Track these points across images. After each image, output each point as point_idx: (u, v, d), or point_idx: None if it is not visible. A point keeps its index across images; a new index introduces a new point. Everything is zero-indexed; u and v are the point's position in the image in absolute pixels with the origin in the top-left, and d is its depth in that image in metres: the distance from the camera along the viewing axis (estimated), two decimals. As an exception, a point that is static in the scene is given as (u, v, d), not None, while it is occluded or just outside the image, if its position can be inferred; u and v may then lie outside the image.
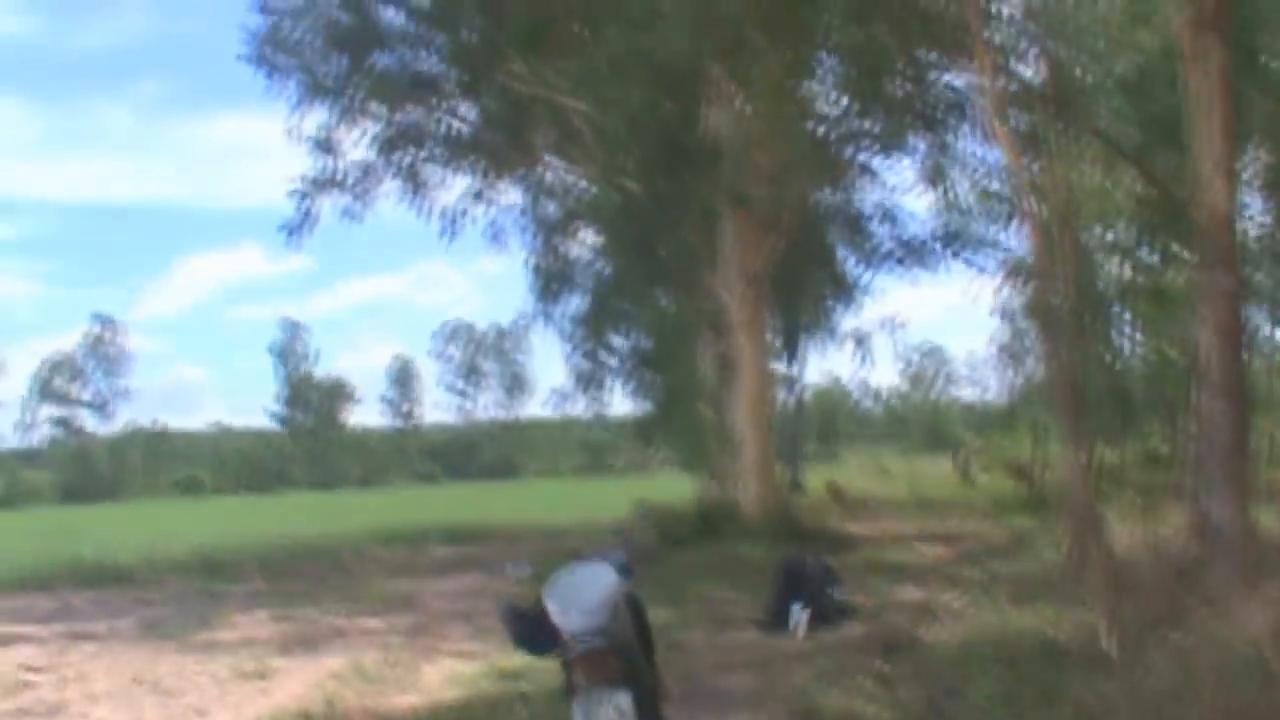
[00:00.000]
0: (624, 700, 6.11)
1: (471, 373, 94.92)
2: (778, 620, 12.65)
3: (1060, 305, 16.11)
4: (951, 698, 8.94)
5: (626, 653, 6.38)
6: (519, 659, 10.77)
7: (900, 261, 26.53)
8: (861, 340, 29.16)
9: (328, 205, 24.87)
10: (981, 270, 26.36)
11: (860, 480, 36.82)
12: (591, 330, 29.41)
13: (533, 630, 6.55)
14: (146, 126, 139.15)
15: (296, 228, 24.33)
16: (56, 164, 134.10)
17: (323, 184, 24.44)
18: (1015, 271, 26.13)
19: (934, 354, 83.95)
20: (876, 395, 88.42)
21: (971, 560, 17.45)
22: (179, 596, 18.56)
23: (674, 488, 25.53)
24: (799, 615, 12.49)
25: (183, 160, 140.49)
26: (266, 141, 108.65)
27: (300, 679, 11.56)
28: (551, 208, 27.90)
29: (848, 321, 31.62)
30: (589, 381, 30.52)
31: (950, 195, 23.72)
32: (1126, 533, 16.63)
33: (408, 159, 24.53)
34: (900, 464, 46.39)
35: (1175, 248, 20.32)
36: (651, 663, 6.94)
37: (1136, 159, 16.27)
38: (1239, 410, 11.00)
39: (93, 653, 13.69)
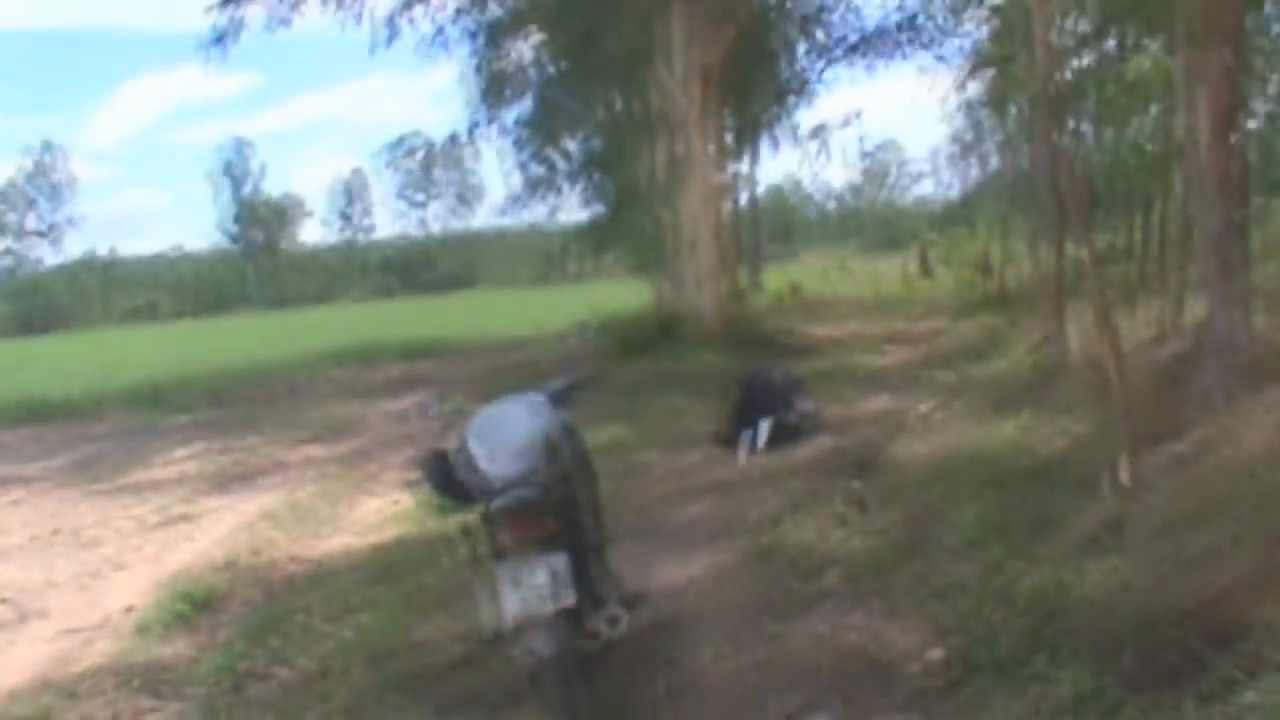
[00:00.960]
0: (558, 563, 5.16)
1: (423, 184, 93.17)
2: (739, 435, 11.70)
3: (1034, 91, 15.09)
4: (931, 521, 8.08)
5: (562, 503, 5.43)
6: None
7: (856, 50, 25.28)
8: (819, 134, 27.80)
9: (255, 13, 23.19)
10: (940, 59, 25.29)
11: (820, 280, 35.91)
12: (540, 134, 28.21)
13: (452, 477, 5.62)
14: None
15: (220, 37, 22.68)
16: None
17: (245, -11, 22.71)
18: (978, 60, 25.10)
19: (891, 150, 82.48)
20: (833, 194, 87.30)
21: (941, 362, 16.60)
22: (119, 431, 17.64)
23: (629, 295, 24.54)
24: (760, 428, 11.56)
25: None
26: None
27: (230, 520, 10.66)
28: (493, 7, 26.31)
29: (804, 118, 30.33)
30: (540, 187, 29.47)
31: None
32: (1098, 333, 15.94)
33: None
34: (860, 263, 45.65)
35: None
36: (595, 508, 5.98)
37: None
38: (1235, 201, 9.98)
39: (16, 499, 12.76)
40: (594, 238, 28.70)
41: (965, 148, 58.21)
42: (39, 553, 10.15)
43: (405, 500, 10.63)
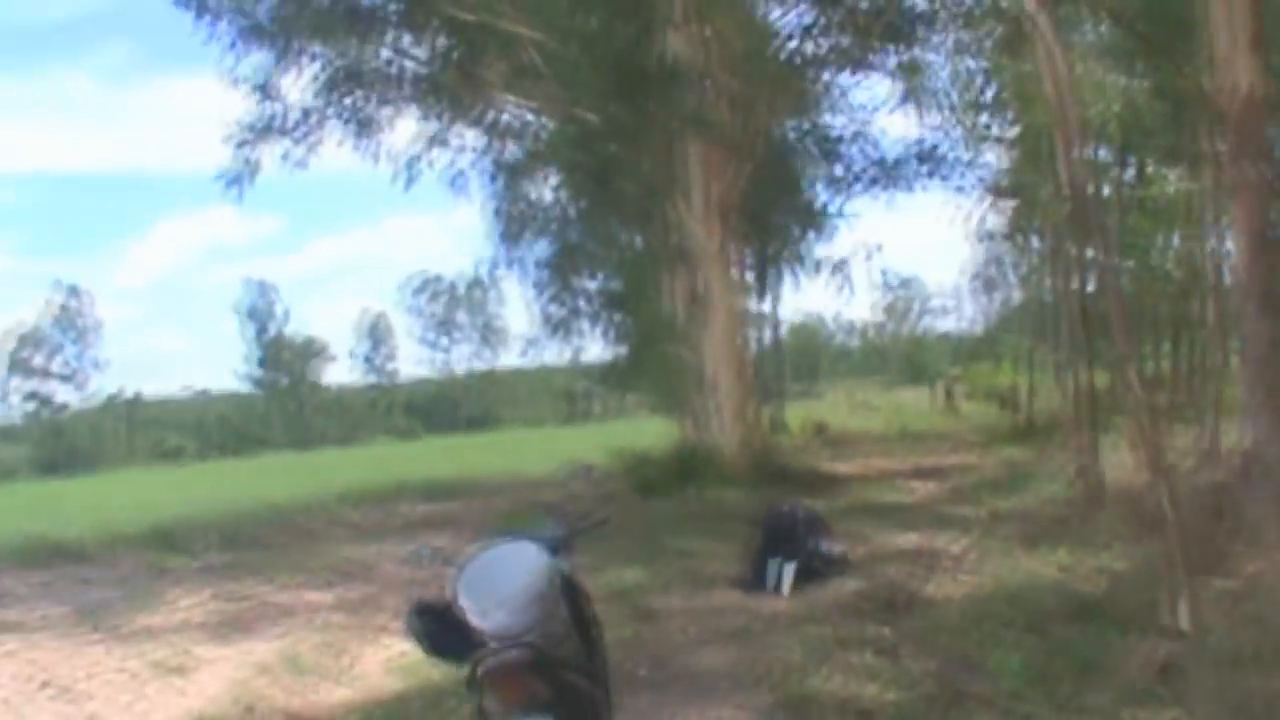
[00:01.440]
0: None
1: (445, 325, 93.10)
2: (761, 578, 11.09)
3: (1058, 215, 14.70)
4: (969, 671, 7.48)
5: (555, 663, 4.86)
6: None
7: (875, 182, 25.01)
8: (839, 267, 27.45)
9: (271, 154, 23.06)
10: (960, 190, 25.04)
11: (843, 416, 35.38)
12: (559, 274, 28.06)
13: (446, 631, 5.06)
14: (108, 93, 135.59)
15: (236, 178, 22.54)
16: (17, 133, 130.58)
17: (262, 130, 22.58)
18: (998, 189, 24.84)
19: (910, 284, 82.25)
20: (853, 329, 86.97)
21: (967, 497, 16.03)
22: (126, 576, 16.95)
23: (651, 433, 24.02)
24: (785, 571, 10.96)
25: (145, 125, 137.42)
26: (229, 102, 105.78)
27: (224, 672, 10.02)
28: (511, 149, 26.22)
29: (822, 251, 30.10)
30: (559, 327, 29.26)
31: (929, 106, 22.29)
32: (1133, 462, 15.36)
33: (351, 99, 22.69)
34: (882, 398, 45.20)
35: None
36: (597, 668, 5.39)
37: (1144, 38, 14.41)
38: (1277, 321, 9.51)
39: (10, 650, 12.16)
40: (615, 377, 28.37)
41: (986, 281, 58.32)
42: (23, 706, 9.55)
43: (412, 651, 10.06)
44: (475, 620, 4.83)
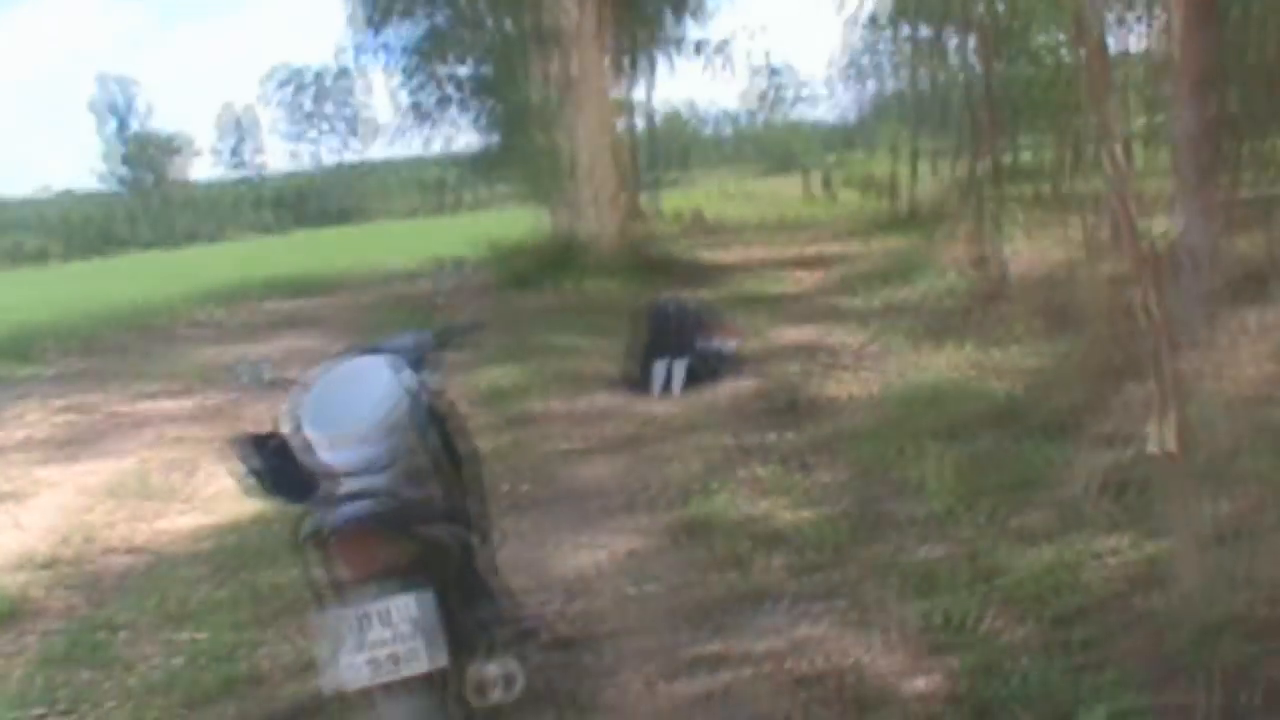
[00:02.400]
0: (421, 605, 3.60)
1: (311, 117, 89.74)
2: (648, 377, 10.13)
3: None
4: (888, 485, 6.64)
5: (415, 515, 3.85)
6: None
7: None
8: (721, 49, 26.09)
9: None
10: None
11: (717, 205, 34.37)
12: (425, 59, 26.42)
13: (286, 465, 4.05)
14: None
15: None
16: None
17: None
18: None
19: (783, 72, 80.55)
20: (724, 118, 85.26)
21: (856, 287, 15.14)
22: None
23: (523, 224, 22.91)
24: (675, 370, 10.02)
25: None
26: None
27: (65, 498, 8.89)
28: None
29: (700, 33, 28.74)
30: (426, 115, 27.76)
31: None
32: (1030, 251, 14.61)
33: None
34: (755, 186, 44.30)
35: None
36: (471, 507, 4.37)
37: None
38: (1214, 105, 8.61)
39: None
40: (485, 165, 27.07)
41: (858, 70, 57.34)
42: None
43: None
44: (320, 454, 3.81)
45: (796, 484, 6.80)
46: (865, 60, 47.88)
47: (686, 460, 7.67)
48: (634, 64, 28.79)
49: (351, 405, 3.84)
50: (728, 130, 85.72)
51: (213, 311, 21.72)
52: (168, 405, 12.51)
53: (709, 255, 21.19)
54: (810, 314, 13.45)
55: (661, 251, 20.11)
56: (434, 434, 4.09)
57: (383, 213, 72.88)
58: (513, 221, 24.12)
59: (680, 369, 9.93)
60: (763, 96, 76.69)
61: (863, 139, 49.58)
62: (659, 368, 9.99)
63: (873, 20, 28.72)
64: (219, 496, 8.31)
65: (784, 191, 38.53)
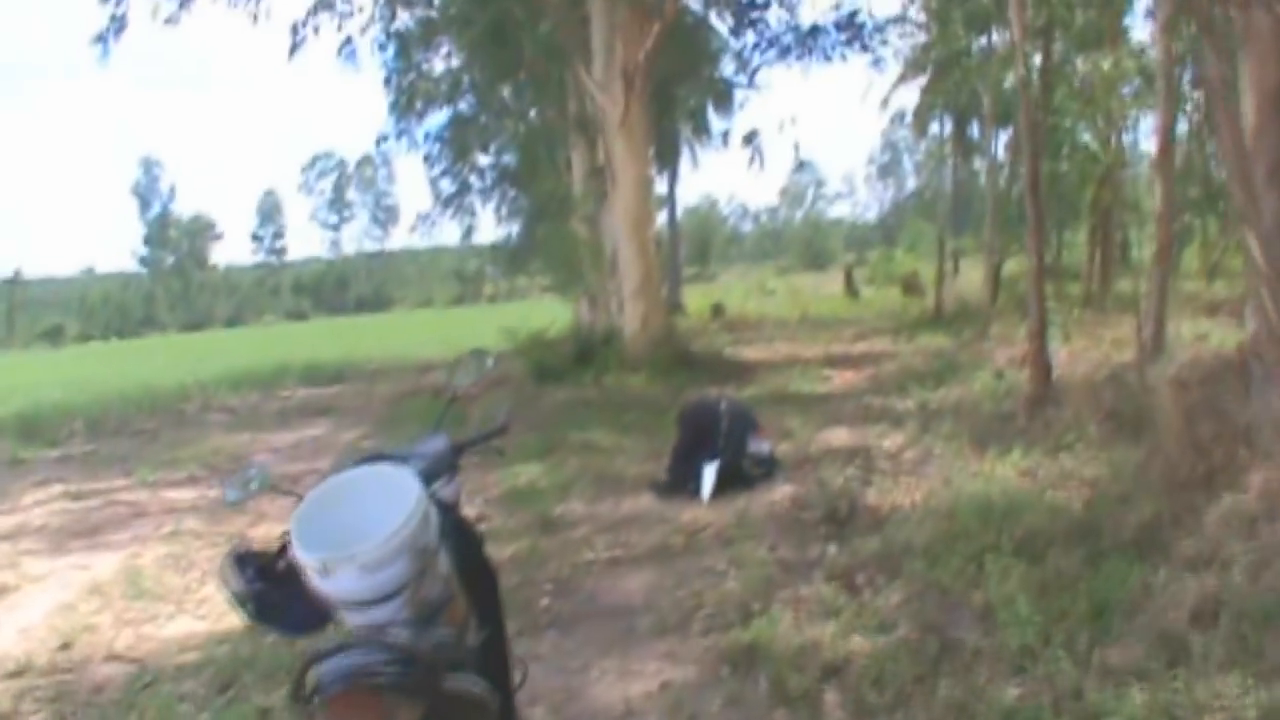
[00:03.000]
0: None
1: (335, 203, 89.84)
2: (682, 480, 9.43)
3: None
4: (950, 609, 5.92)
5: (428, 666, 3.13)
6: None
7: (789, 51, 22.97)
8: (750, 139, 25.52)
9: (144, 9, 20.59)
10: (878, 64, 23.41)
11: (740, 300, 33.84)
12: (455, 148, 26.10)
13: (280, 590, 3.37)
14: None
15: (104, 34, 20.16)
16: None
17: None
18: (918, 60, 23.25)
19: (808, 171, 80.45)
20: (747, 213, 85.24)
21: (890, 387, 14.47)
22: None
23: (546, 315, 22.36)
24: (705, 472, 9.29)
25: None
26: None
27: (50, 594, 8.20)
28: (403, 15, 23.96)
29: (729, 124, 28.33)
30: (450, 203, 27.44)
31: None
32: (1069, 354, 13.95)
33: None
34: (779, 282, 43.85)
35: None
36: (491, 647, 3.64)
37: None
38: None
39: None
40: (509, 255, 26.63)
41: (882, 168, 57.19)
42: None
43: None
44: (315, 581, 3.12)
45: (845, 605, 6.06)
46: (889, 157, 47.87)
47: (724, 576, 6.94)
48: (661, 155, 28.40)
49: (352, 523, 3.16)
50: (747, 225, 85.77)
51: (225, 397, 21.21)
52: (169, 494, 11.95)
53: (736, 352, 20.58)
54: (843, 414, 12.71)
55: (688, 347, 19.45)
56: (449, 556, 3.39)
57: (403, 301, 72.79)
58: (540, 313, 23.63)
59: (711, 471, 9.21)
60: (785, 193, 76.78)
61: (889, 237, 49.26)
62: (691, 473, 9.30)
63: (900, 117, 28.36)
64: (212, 600, 7.62)
65: (806, 288, 38.04)
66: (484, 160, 26.82)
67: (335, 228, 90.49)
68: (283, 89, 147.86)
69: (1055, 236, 24.94)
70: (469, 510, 9.69)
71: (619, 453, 11.62)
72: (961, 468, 9.05)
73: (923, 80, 27.36)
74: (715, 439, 9.48)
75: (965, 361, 15.25)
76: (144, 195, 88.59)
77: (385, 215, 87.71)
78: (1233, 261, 22.69)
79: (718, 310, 31.33)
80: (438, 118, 26.29)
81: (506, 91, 24.53)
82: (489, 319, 37.38)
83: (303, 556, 3.11)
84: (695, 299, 35.45)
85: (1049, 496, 7.73)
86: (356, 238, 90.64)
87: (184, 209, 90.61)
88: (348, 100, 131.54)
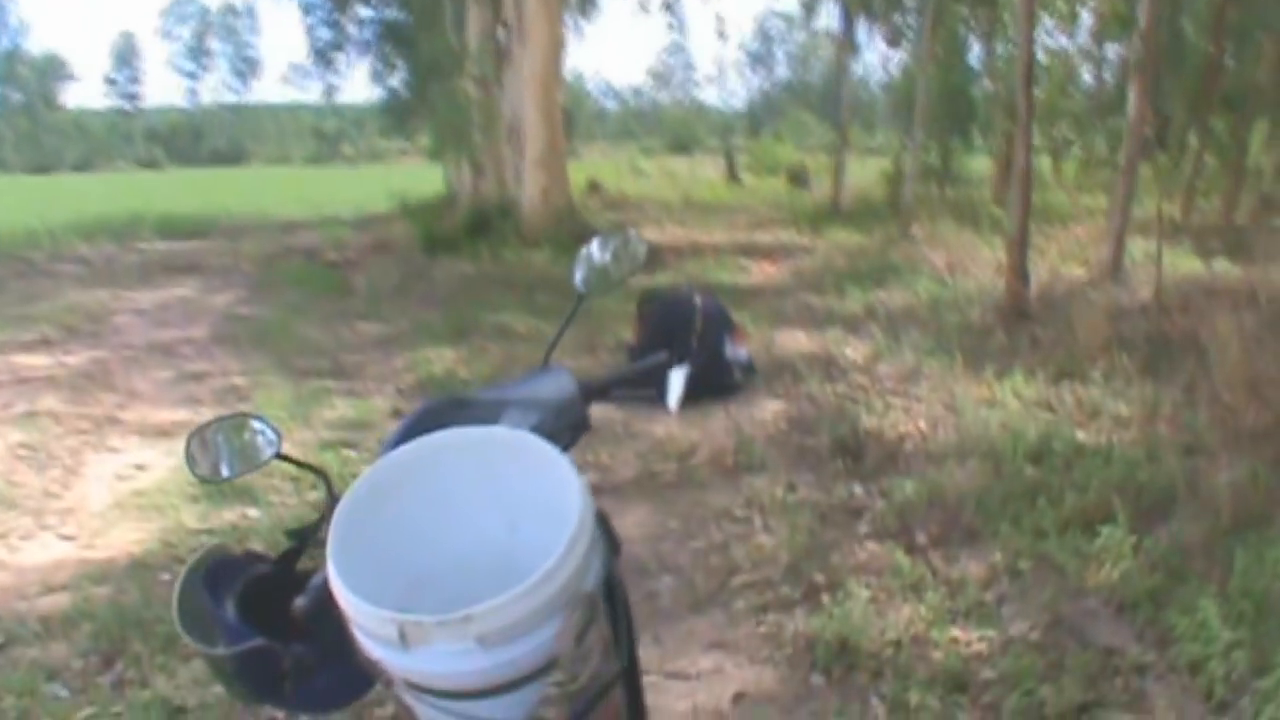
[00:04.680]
0: None
1: (198, 52, 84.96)
2: (643, 384, 7.88)
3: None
4: (1080, 598, 4.50)
5: None
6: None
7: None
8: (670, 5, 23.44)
9: None
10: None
11: (614, 180, 32.07)
12: (336, -1, 23.92)
13: (288, 651, 1.72)
14: None
15: None
16: None
17: None
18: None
19: (676, 52, 78.15)
20: (613, 92, 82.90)
21: (823, 285, 13.10)
22: None
23: (420, 180, 20.69)
24: (672, 378, 7.74)
25: None
26: None
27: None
28: None
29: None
30: (325, 57, 25.29)
31: None
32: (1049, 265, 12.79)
33: None
34: (652, 165, 42.14)
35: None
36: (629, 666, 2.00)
37: None
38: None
39: None
40: (393, 115, 24.55)
41: (754, 57, 55.73)
42: None
43: (156, 464, 6.68)
44: (378, 649, 1.53)
45: (929, 582, 4.64)
46: (762, 46, 46.42)
47: (748, 524, 5.44)
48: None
49: (451, 546, 1.64)
50: (612, 104, 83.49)
51: (78, 246, 19.04)
52: (22, 360, 10.04)
53: (642, 232, 18.97)
54: (791, 315, 11.29)
55: (587, 225, 17.87)
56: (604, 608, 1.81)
57: (262, 159, 69.39)
58: (409, 178, 21.96)
59: (680, 377, 7.67)
60: (653, 72, 74.75)
61: (756, 126, 47.81)
62: (670, 375, 7.73)
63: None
64: (89, 510, 5.94)
65: (686, 172, 36.41)
66: (365, 12, 24.67)
67: (193, 76, 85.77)
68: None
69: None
70: (380, 403, 8.10)
71: (536, 340, 10.05)
72: (964, 392, 7.68)
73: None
74: (687, 339, 7.91)
75: (897, 263, 13.96)
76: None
77: (246, 67, 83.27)
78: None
79: (594, 187, 29.57)
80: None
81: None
82: (351, 180, 35.26)
83: (355, 607, 1.52)
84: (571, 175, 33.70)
85: (1076, 436, 6.42)
86: (215, 88, 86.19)
87: (35, 47, 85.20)
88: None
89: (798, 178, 29.40)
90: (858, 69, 25.81)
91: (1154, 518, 5.13)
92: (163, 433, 7.32)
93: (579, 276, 2.30)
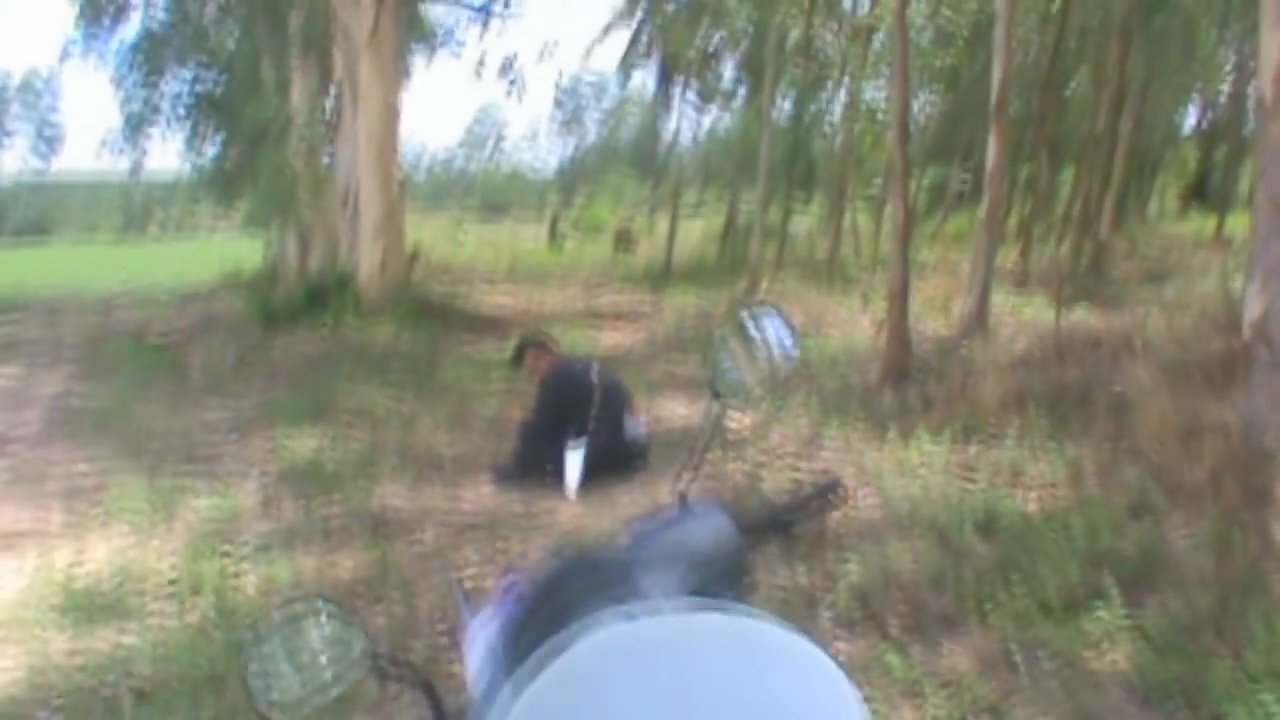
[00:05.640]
0: None
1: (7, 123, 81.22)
2: (536, 465, 7.26)
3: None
4: (1094, 687, 4.06)
5: None
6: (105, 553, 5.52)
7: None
8: (509, 69, 22.70)
9: None
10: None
11: (431, 248, 31.31)
12: (150, 63, 22.71)
13: None
14: None
15: None
16: None
17: None
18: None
19: (489, 116, 77.44)
20: (426, 155, 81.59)
21: (679, 350, 12.65)
22: None
23: (235, 253, 19.84)
24: (568, 460, 7.14)
25: None
26: None
27: None
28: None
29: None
30: (140, 127, 24.07)
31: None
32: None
33: None
34: (470, 232, 41.48)
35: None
36: None
37: None
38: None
39: None
40: (212, 187, 23.42)
41: (564, 124, 55.74)
42: None
43: (4, 582, 5.82)
44: None
45: (926, 679, 4.13)
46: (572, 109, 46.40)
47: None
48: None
49: None
50: (421, 169, 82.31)
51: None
52: None
53: (479, 301, 18.29)
54: (664, 382, 10.78)
55: (425, 294, 17.17)
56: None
57: (73, 233, 66.57)
58: (226, 251, 21.07)
59: (577, 460, 7.07)
60: (469, 139, 74.18)
61: (568, 188, 47.53)
62: (562, 454, 7.11)
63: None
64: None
65: (504, 238, 35.79)
66: (175, 84, 23.52)
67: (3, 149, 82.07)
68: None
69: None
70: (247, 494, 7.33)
71: (411, 421, 9.37)
72: (874, 459, 7.25)
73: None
74: (583, 415, 7.33)
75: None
76: None
77: (49, 140, 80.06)
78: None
79: (414, 255, 28.72)
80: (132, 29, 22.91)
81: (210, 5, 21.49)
82: (162, 254, 33.81)
83: None
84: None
85: (1018, 504, 6.03)
86: (15, 161, 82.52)
87: None
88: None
89: (624, 239, 28.99)
90: (672, 128, 25.43)
91: (1138, 589, 4.72)
92: (7, 545, 6.42)
93: (716, 375, 1.74)
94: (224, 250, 21.61)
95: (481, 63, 19.93)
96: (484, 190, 65.98)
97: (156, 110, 23.68)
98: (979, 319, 11.49)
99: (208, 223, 47.04)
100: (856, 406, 8.73)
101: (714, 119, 27.84)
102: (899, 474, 6.82)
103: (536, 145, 69.81)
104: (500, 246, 31.69)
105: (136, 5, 21.61)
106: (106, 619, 5.03)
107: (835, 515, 6.15)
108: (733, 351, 1.78)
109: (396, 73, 16.44)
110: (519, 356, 8.18)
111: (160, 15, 21.82)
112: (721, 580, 1.52)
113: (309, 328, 14.71)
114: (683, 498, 1.67)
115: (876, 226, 24.08)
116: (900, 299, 9.90)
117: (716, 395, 1.73)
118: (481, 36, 24.45)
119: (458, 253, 30.79)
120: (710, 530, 1.60)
